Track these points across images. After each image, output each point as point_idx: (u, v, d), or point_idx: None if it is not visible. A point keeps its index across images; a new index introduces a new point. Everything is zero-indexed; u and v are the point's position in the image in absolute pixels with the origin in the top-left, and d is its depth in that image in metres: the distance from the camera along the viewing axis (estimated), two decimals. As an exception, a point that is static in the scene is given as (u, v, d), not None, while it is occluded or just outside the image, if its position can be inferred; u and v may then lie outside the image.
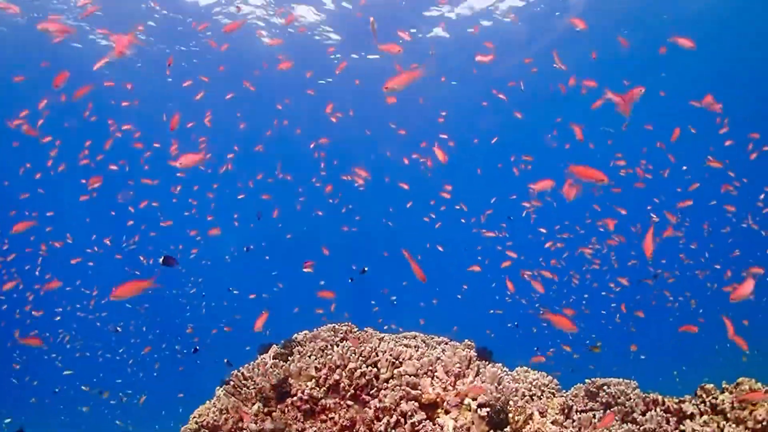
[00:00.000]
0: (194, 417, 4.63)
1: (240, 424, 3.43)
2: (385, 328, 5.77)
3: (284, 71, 11.52)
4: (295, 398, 3.64)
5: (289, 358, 4.15)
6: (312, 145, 16.54)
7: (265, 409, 3.67)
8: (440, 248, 15.15)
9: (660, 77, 17.02)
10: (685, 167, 14.39)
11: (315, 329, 4.83)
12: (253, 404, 3.70)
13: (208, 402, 4.96)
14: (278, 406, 3.70)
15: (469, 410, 3.82)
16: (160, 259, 4.54)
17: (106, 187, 10.55)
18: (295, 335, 5.02)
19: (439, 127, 17.01)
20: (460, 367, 4.09)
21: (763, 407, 4.26)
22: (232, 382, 4.06)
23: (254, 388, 3.85)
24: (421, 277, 3.68)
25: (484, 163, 20.01)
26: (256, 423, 3.45)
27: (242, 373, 4.04)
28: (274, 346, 5.03)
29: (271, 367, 3.93)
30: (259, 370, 3.98)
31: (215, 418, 3.66)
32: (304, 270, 6.49)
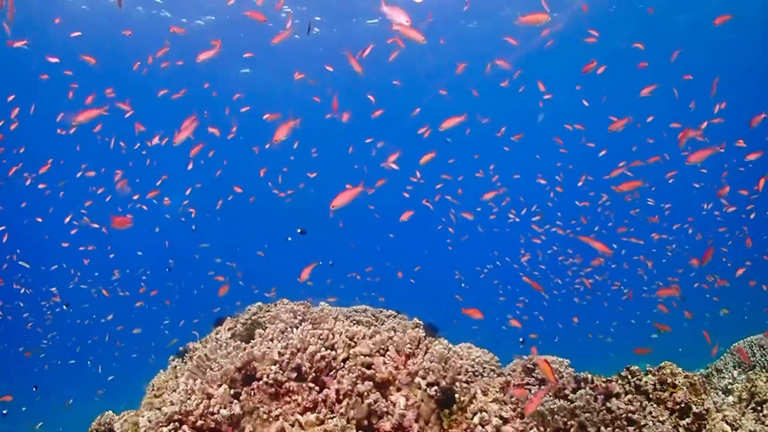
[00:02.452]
0: (152, 390, 5.10)
1: (210, 409, 3.92)
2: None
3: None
4: (260, 382, 4.17)
5: (251, 340, 4.65)
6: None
7: (231, 392, 4.17)
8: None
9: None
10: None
11: (272, 305, 5.34)
12: (219, 386, 4.19)
13: (162, 372, 5.43)
14: (244, 389, 4.21)
15: (419, 388, 4.45)
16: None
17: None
18: (249, 308, 5.51)
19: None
20: (410, 347, 4.70)
21: (682, 390, 5.09)
22: (195, 362, 4.52)
23: (219, 370, 4.34)
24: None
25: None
26: (225, 407, 3.96)
27: (205, 354, 4.51)
28: (228, 319, 5.51)
29: (234, 349, 4.42)
30: (221, 351, 4.46)
31: (183, 399, 4.12)
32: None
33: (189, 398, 4.12)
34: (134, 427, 4.63)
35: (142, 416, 4.63)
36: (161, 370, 5.47)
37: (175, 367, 5.31)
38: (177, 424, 3.89)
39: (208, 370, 4.41)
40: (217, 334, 5.25)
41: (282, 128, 5.23)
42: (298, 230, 7.88)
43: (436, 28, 18.31)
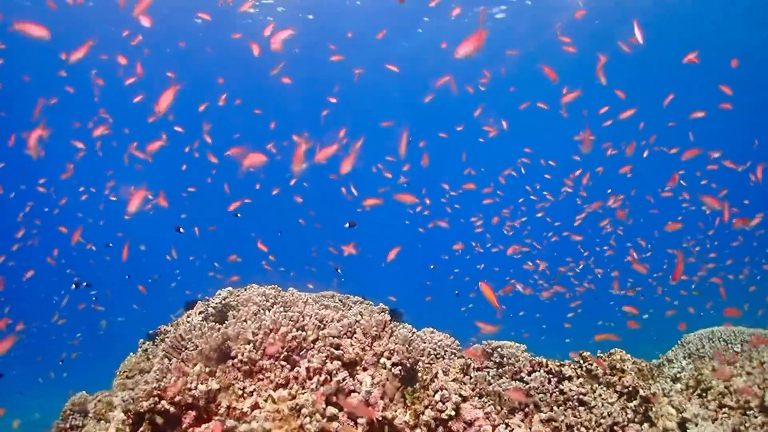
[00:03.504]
0: (123, 372, 5.45)
1: (188, 385, 4.29)
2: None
3: None
4: (235, 360, 4.56)
5: (224, 321, 5.03)
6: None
7: (207, 370, 4.55)
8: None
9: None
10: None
11: (242, 289, 5.72)
12: (195, 365, 4.57)
13: (131, 355, 5.77)
14: (219, 367, 4.60)
15: (384, 368, 4.89)
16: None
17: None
18: (219, 292, 5.88)
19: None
20: (376, 330, 5.14)
21: (630, 375, 5.63)
22: (170, 343, 4.89)
23: (194, 349, 4.71)
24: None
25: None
26: (202, 383, 4.34)
27: (180, 335, 4.88)
28: (199, 303, 5.87)
29: (208, 330, 4.80)
30: (196, 332, 4.83)
31: (159, 377, 4.48)
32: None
33: (165, 376, 4.48)
34: (108, 407, 4.97)
35: (116, 396, 4.99)
36: (131, 354, 5.81)
37: (146, 350, 5.65)
38: (156, 399, 4.25)
39: (183, 349, 4.78)
40: (188, 317, 5.61)
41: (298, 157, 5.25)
42: (346, 223, 7.97)
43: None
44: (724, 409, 5.85)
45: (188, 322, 5.19)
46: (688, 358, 8.15)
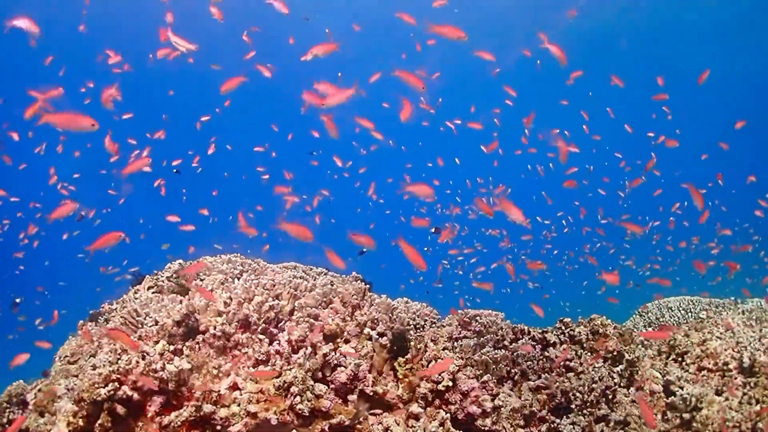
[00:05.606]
0: (64, 356, 4.88)
1: (153, 366, 3.80)
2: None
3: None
4: (207, 335, 4.10)
5: (188, 292, 4.55)
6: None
7: (171, 348, 4.07)
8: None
9: None
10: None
11: (195, 262, 5.23)
12: (156, 342, 4.09)
13: (71, 338, 5.20)
14: (186, 344, 4.12)
15: (370, 339, 4.54)
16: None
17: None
18: (169, 265, 5.38)
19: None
20: (356, 299, 4.78)
21: (613, 340, 5.54)
22: (122, 319, 4.37)
23: (154, 325, 4.22)
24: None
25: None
26: (170, 363, 3.86)
27: (135, 310, 4.37)
28: (148, 277, 5.35)
29: (170, 302, 4.32)
30: (154, 305, 4.34)
31: (113, 359, 3.97)
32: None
33: (120, 358, 3.98)
34: (51, 396, 4.41)
35: (59, 384, 4.44)
36: (70, 336, 5.24)
37: (89, 331, 5.09)
38: (116, 384, 3.75)
39: (140, 326, 4.28)
40: (136, 293, 5.08)
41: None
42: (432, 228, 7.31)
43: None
44: (703, 372, 5.88)
45: (138, 297, 4.68)
46: (649, 327, 8.25)
